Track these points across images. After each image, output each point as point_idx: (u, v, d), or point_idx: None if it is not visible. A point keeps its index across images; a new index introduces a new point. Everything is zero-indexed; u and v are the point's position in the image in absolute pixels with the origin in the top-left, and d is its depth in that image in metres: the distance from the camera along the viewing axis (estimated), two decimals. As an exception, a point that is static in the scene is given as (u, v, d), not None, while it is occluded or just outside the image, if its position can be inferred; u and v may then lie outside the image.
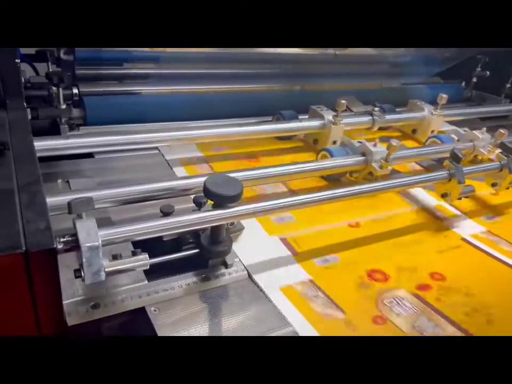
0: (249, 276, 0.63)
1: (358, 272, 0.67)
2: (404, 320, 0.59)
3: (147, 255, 0.50)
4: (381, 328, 0.58)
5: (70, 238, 0.46)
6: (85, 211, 0.48)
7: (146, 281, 0.59)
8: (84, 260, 0.45)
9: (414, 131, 1.19)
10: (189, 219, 0.55)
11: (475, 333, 0.58)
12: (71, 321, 0.52)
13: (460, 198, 0.81)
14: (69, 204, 0.47)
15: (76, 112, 0.92)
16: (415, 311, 0.61)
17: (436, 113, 1.13)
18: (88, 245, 0.45)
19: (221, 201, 0.58)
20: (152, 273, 0.62)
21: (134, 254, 0.50)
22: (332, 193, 0.68)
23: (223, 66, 1.15)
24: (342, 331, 0.56)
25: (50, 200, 0.56)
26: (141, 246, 0.65)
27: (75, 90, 0.95)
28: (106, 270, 0.47)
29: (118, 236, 0.50)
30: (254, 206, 0.60)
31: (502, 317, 0.62)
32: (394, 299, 0.63)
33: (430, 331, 0.58)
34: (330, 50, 1.19)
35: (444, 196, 0.80)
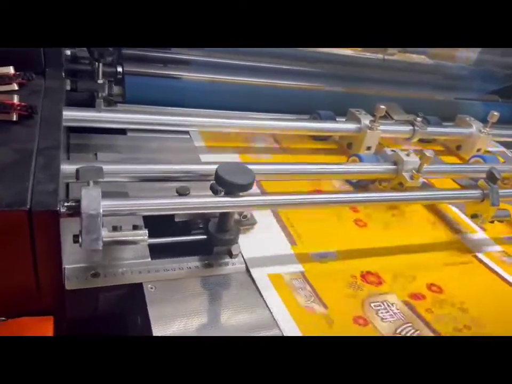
0: (247, 269, 0.62)
1: (352, 272, 0.66)
2: (386, 325, 0.58)
3: (147, 231, 0.50)
4: (361, 329, 0.57)
5: (73, 204, 0.47)
6: (93, 179, 0.49)
7: (149, 259, 0.60)
8: (83, 226, 0.46)
9: (458, 147, 1.13)
10: (192, 202, 0.55)
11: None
12: (69, 285, 0.54)
13: (492, 222, 0.76)
14: (77, 170, 0.48)
15: (116, 90, 0.94)
16: (401, 318, 0.60)
17: (485, 131, 1.07)
18: (89, 212, 0.46)
19: (231, 189, 0.57)
20: (162, 253, 0.63)
21: (134, 228, 0.51)
22: (349, 197, 0.66)
23: (266, 61, 1.14)
24: (320, 326, 0.56)
25: (67, 168, 0.57)
26: (154, 225, 0.66)
27: (119, 69, 0.98)
28: (104, 239, 0.47)
29: (121, 208, 0.51)
30: (264, 198, 0.59)
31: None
32: (382, 303, 0.62)
33: None
34: (379, 55, 1.15)
35: (474, 216, 0.75)
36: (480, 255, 0.76)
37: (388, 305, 0.61)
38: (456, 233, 0.81)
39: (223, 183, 0.56)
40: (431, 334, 0.58)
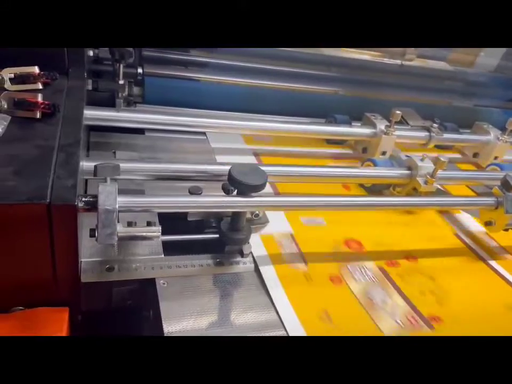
0: (256, 267, 0.63)
1: (337, 237, 0.73)
2: (358, 285, 0.64)
3: (160, 228, 0.51)
4: (334, 286, 0.64)
5: (91, 199, 0.49)
6: (110, 176, 0.51)
7: (162, 255, 0.62)
8: (99, 220, 0.48)
9: (475, 155, 1.12)
10: (204, 200, 0.56)
11: (421, 310, 0.62)
12: (84, 278, 0.56)
13: (506, 230, 0.75)
14: (95, 167, 0.50)
15: (136, 90, 0.96)
16: (373, 280, 0.66)
17: (502, 138, 1.05)
18: (105, 207, 0.48)
19: (243, 190, 0.59)
20: (176, 251, 0.65)
21: (148, 224, 0.52)
22: (360, 201, 0.66)
23: (284, 64, 1.16)
24: (298, 278, 0.63)
25: (86, 164, 0.59)
26: (169, 224, 0.68)
27: (139, 70, 1.00)
28: (119, 234, 0.49)
29: (136, 205, 0.52)
30: (276, 199, 0.60)
31: (453, 303, 0.65)
32: (359, 267, 0.68)
33: (378, 299, 0.63)
34: (397, 60, 1.15)
35: (488, 224, 0.74)
36: (460, 233, 0.81)
37: (364, 269, 0.67)
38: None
39: (236, 183, 0.58)
40: (397, 295, 0.64)
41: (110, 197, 0.49)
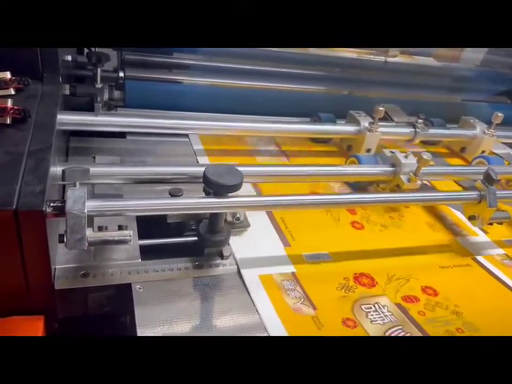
0: (239, 270, 0.62)
1: (345, 273, 0.66)
2: (376, 327, 0.57)
3: (131, 232, 0.50)
4: (349, 331, 0.56)
5: (59, 204, 0.48)
6: (79, 180, 0.50)
7: (139, 260, 0.61)
8: (67, 226, 0.47)
9: (462, 149, 1.11)
10: (178, 202, 0.55)
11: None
12: (58, 285, 0.55)
13: (491, 224, 0.74)
14: (63, 171, 0.49)
15: (117, 94, 0.95)
16: (392, 320, 0.59)
17: (489, 132, 1.05)
18: (73, 212, 0.47)
19: (218, 190, 0.58)
20: (155, 255, 0.64)
21: (120, 228, 0.51)
22: (342, 198, 0.65)
23: (267, 64, 1.15)
24: (308, 327, 0.55)
25: (59, 169, 0.58)
26: (149, 227, 0.67)
27: (121, 74, 0.99)
28: (89, 239, 0.48)
29: (108, 209, 0.51)
30: (253, 199, 0.59)
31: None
32: (374, 305, 0.61)
33: None
34: (381, 57, 1.15)
35: (471, 218, 0.73)
36: (480, 258, 0.75)
37: (379, 307, 0.60)
38: (456, 236, 0.79)
39: (210, 184, 0.57)
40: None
41: (78, 201, 0.48)
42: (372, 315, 0.59)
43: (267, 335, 0.53)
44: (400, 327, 0.58)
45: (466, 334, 0.59)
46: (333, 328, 0.56)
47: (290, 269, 0.64)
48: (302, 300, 0.59)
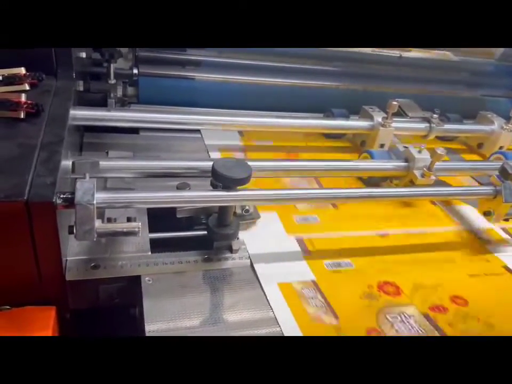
0: (252, 265, 0.62)
1: (368, 281, 0.63)
2: None
3: (140, 224, 0.51)
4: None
5: (69, 196, 0.49)
6: (88, 173, 0.50)
7: (149, 253, 0.61)
8: (77, 217, 0.48)
9: (480, 145, 1.09)
10: (187, 195, 0.56)
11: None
12: (69, 276, 0.55)
13: (507, 219, 0.72)
14: (73, 163, 0.50)
15: (130, 91, 0.97)
16: (419, 331, 0.56)
17: (507, 127, 1.02)
18: (82, 203, 0.48)
19: (227, 184, 0.58)
20: (166, 249, 0.64)
21: (128, 220, 0.52)
22: (352, 192, 0.64)
23: (282, 60, 1.14)
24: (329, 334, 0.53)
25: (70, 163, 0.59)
26: (158, 221, 0.68)
27: (135, 71, 1.00)
28: (98, 230, 0.49)
29: (116, 201, 0.52)
30: (262, 193, 0.59)
31: None
32: (400, 315, 0.58)
33: None
34: (395, 52, 1.13)
35: (486, 214, 0.72)
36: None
37: (405, 317, 0.58)
38: (480, 241, 0.76)
39: (219, 178, 0.57)
40: None
41: (87, 193, 0.48)
42: (398, 325, 0.56)
43: (279, 331, 0.53)
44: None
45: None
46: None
47: (310, 276, 0.62)
48: (324, 309, 0.57)
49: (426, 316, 0.58)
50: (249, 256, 0.63)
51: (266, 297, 0.57)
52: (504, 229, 0.80)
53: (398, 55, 1.15)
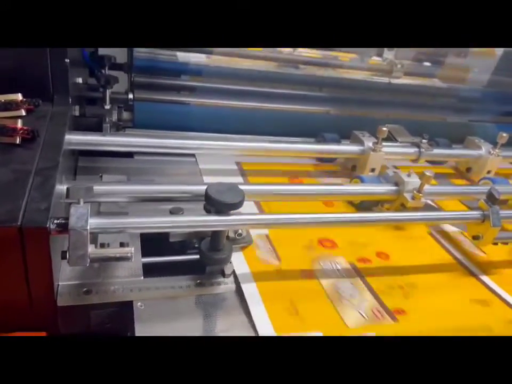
0: (239, 287, 0.62)
1: (311, 238, 0.76)
2: (328, 280, 0.67)
3: (133, 249, 0.51)
4: (305, 281, 0.66)
5: (63, 221, 0.49)
6: (83, 198, 0.51)
7: (142, 277, 0.61)
8: (70, 242, 0.48)
9: (468, 170, 1.11)
10: (180, 220, 0.56)
11: (387, 304, 0.64)
12: (61, 301, 0.55)
13: (495, 244, 0.73)
14: (67, 189, 0.50)
15: (126, 115, 0.98)
16: (343, 275, 0.69)
17: (494, 152, 1.05)
18: (76, 229, 0.48)
19: (220, 208, 0.58)
20: (159, 273, 0.64)
21: (121, 245, 0.52)
22: (344, 217, 0.65)
23: (274, 86, 1.17)
24: (271, 273, 0.66)
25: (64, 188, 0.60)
26: (151, 244, 0.68)
27: (130, 96, 1.02)
28: (91, 256, 0.49)
29: (110, 226, 0.52)
30: (254, 217, 0.60)
31: (419, 296, 0.67)
32: (330, 263, 0.71)
33: (348, 293, 0.65)
34: (385, 79, 1.16)
35: (475, 238, 0.73)
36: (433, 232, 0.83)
37: (334, 264, 0.71)
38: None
39: (212, 202, 0.58)
40: (365, 289, 0.66)
41: (81, 218, 0.49)
42: (327, 269, 0.69)
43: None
44: (349, 281, 0.68)
45: (406, 290, 0.68)
46: (292, 276, 0.67)
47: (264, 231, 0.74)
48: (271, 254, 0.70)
49: (352, 265, 0.71)
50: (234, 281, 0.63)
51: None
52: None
53: (387, 81, 1.18)
